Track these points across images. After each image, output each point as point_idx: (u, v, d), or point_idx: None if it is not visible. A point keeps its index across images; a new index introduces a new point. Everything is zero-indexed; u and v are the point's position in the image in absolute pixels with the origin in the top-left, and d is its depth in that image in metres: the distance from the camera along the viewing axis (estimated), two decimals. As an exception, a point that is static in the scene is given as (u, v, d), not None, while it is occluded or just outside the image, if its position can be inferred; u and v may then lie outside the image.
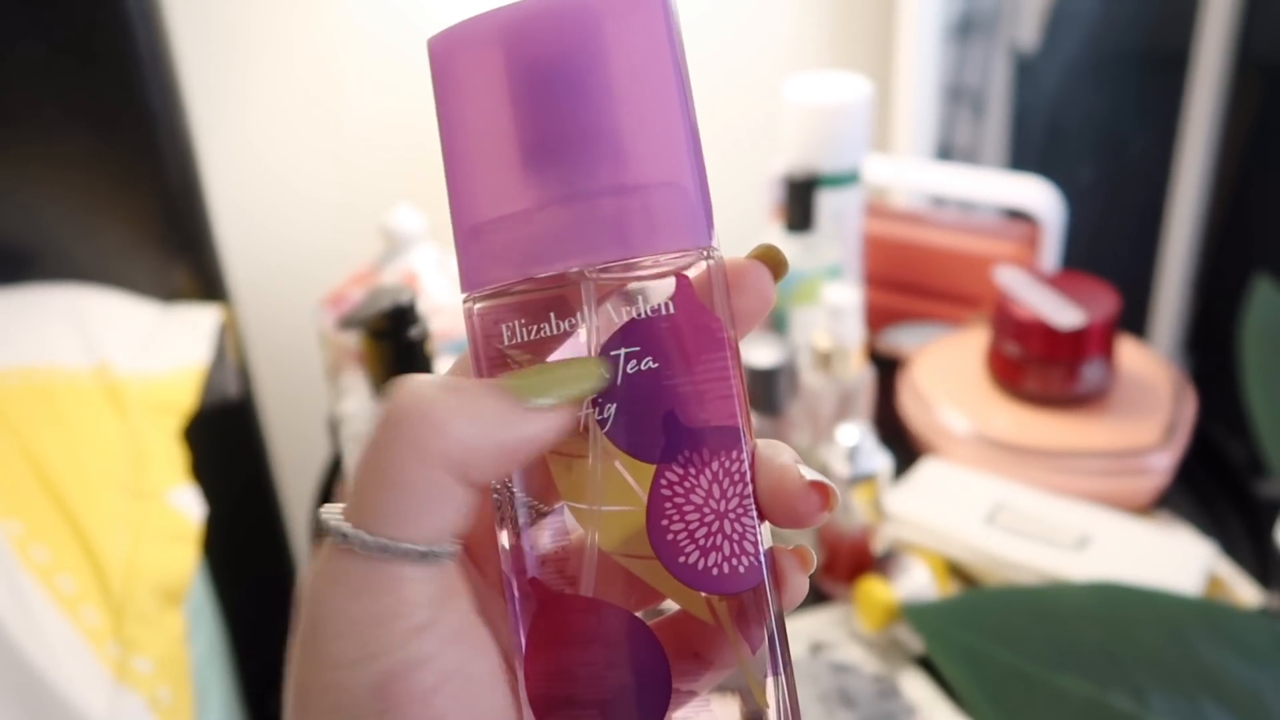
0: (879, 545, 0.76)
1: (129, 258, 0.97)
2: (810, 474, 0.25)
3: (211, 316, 0.95)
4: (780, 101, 0.90)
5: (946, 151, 1.30)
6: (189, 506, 0.80)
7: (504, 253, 0.25)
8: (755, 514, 0.25)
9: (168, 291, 0.97)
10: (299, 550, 1.13)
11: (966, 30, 1.25)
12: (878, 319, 1.01)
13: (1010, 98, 1.29)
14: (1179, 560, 0.71)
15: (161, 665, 0.72)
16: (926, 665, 0.70)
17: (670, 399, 0.24)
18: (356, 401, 0.81)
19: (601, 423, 0.24)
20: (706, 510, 0.24)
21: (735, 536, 0.24)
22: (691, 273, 0.25)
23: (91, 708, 0.66)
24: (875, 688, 0.69)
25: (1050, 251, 0.96)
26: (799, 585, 0.25)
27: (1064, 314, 0.81)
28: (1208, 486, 0.85)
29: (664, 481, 0.24)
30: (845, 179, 0.90)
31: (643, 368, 0.24)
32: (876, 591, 0.70)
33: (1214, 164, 1.24)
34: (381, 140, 1.06)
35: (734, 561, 0.24)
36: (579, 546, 0.25)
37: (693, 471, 0.24)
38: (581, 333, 0.25)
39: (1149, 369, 0.87)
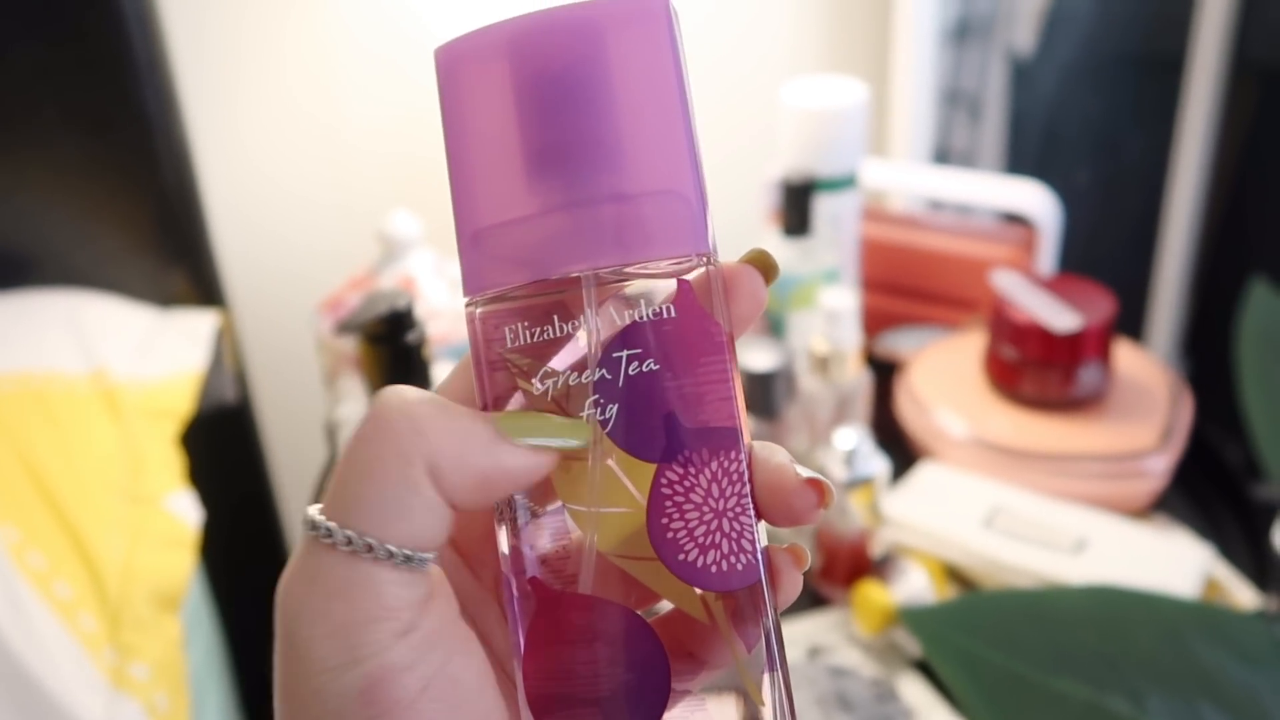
0: (877, 549, 0.76)
1: (126, 263, 0.97)
2: (806, 472, 0.25)
3: (209, 322, 0.95)
4: (777, 106, 0.90)
5: (943, 155, 1.30)
6: (186, 512, 0.80)
7: (506, 257, 0.25)
8: (753, 513, 0.25)
9: (165, 297, 0.97)
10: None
11: (963, 34, 1.25)
12: (875, 323, 1.02)
13: (1007, 101, 1.29)
14: (1176, 563, 0.71)
15: (158, 671, 0.72)
16: (924, 669, 0.70)
17: (671, 400, 0.25)
18: (354, 406, 0.81)
19: (604, 423, 0.25)
20: (706, 509, 0.25)
21: (734, 534, 0.25)
22: (691, 278, 0.25)
23: (88, 714, 0.66)
24: (873, 691, 0.69)
25: (1047, 255, 0.96)
26: (794, 582, 0.26)
27: (1060, 317, 0.81)
28: (1205, 489, 0.85)
29: (664, 480, 0.25)
30: (842, 183, 0.90)
31: (644, 369, 0.25)
32: (874, 595, 0.70)
33: (1210, 167, 1.24)
34: (378, 145, 1.06)
35: (732, 559, 0.25)
36: (577, 547, 0.25)
37: (692, 471, 0.25)
38: (581, 336, 0.25)
39: (1146, 372, 0.87)
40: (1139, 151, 1.33)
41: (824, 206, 0.89)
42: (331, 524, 0.23)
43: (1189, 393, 0.85)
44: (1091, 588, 0.61)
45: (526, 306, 0.25)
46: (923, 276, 1.00)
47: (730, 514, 0.25)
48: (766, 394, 0.78)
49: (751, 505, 0.25)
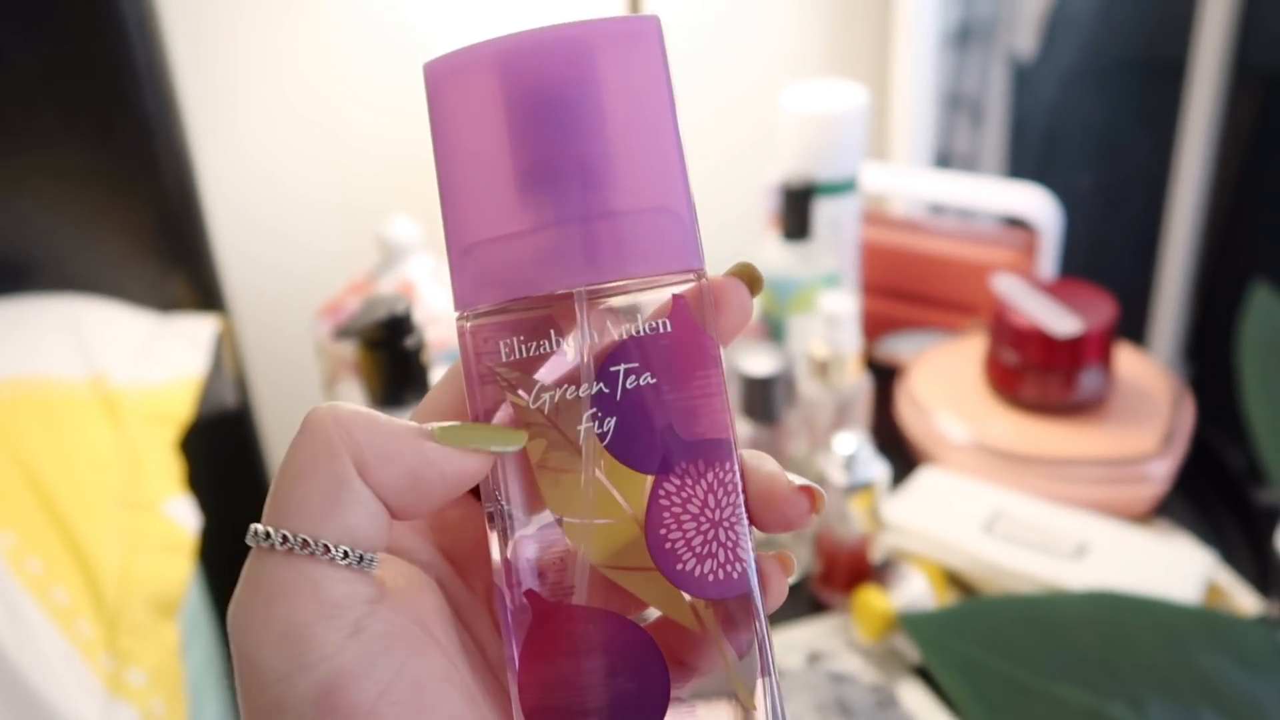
0: (876, 554, 0.75)
1: (126, 268, 0.96)
2: (797, 479, 0.26)
3: (208, 327, 0.95)
4: (777, 110, 0.90)
5: (945, 159, 1.30)
6: (184, 517, 0.80)
7: (499, 273, 0.26)
8: (746, 522, 0.26)
9: (164, 302, 0.97)
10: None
11: (965, 38, 1.25)
12: (875, 327, 1.01)
13: (1008, 105, 1.29)
14: (1177, 568, 0.71)
15: (155, 677, 0.72)
16: (924, 675, 0.70)
17: (667, 413, 0.26)
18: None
19: (601, 436, 0.25)
20: (703, 519, 0.25)
21: (729, 544, 0.26)
22: (683, 292, 0.26)
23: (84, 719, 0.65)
24: (873, 698, 0.69)
25: (1048, 259, 0.96)
26: (780, 588, 0.26)
27: (1062, 322, 0.81)
28: (1206, 494, 0.85)
29: (662, 492, 0.25)
30: (842, 187, 0.90)
31: (641, 383, 0.26)
32: (874, 601, 0.70)
33: (1212, 171, 1.23)
34: (378, 150, 1.06)
35: (728, 568, 0.25)
36: (569, 559, 0.26)
37: (689, 482, 0.25)
38: (574, 350, 0.26)
39: (1147, 376, 0.87)
40: (1141, 156, 1.32)
41: (824, 210, 0.89)
42: (269, 527, 0.23)
43: (1191, 397, 0.85)
44: (1092, 593, 0.60)
45: (518, 321, 0.26)
46: (923, 281, 1.00)
47: (726, 524, 0.26)
48: (766, 399, 0.78)
49: (745, 514, 0.26)
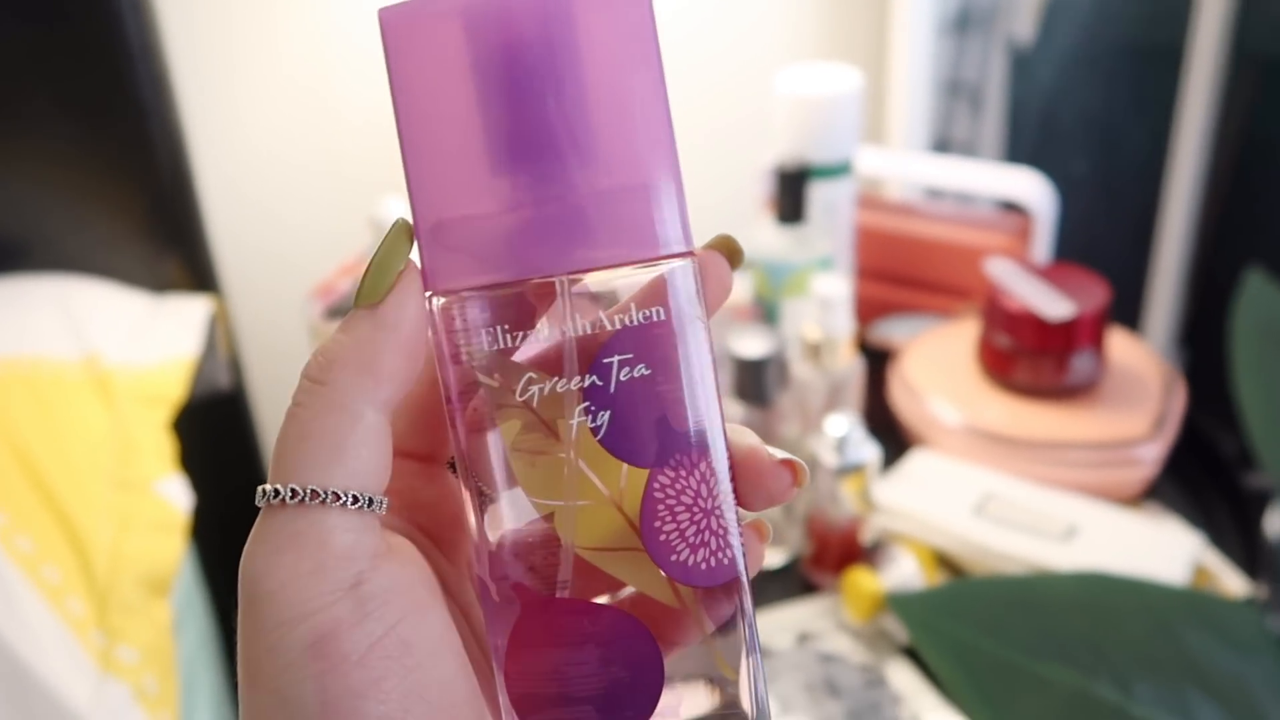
0: (867, 536, 0.75)
1: (119, 249, 0.96)
2: (778, 453, 0.26)
3: (202, 308, 0.95)
4: (772, 92, 0.89)
5: (944, 146, 1.29)
6: (176, 497, 0.80)
7: (471, 253, 0.24)
8: (734, 508, 0.25)
9: (158, 283, 0.97)
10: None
11: (964, 25, 1.25)
12: (869, 311, 1.01)
13: (1007, 91, 1.29)
14: (1166, 551, 0.71)
15: (147, 655, 0.72)
16: (913, 655, 0.70)
17: (662, 404, 0.25)
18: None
19: (595, 430, 0.24)
20: (696, 510, 0.25)
21: (720, 531, 0.25)
22: (676, 277, 0.25)
23: (76, 697, 0.66)
24: (862, 677, 0.69)
25: (1042, 243, 0.96)
26: (758, 555, 0.26)
27: (1054, 305, 0.81)
28: (1197, 478, 0.85)
29: (657, 485, 0.25)
30: (837, 170, 0.90)
31: (635, 374, 0.24)
32: (864, 582, 0.70)
33: (1209, 157, 1.23)
34: (371, 131, 1.06)
35: (719, 555, 0.25)
36: (552, 545, 0.25)
37: (683, 474, 0.25)
38: (557, 338, 0.24)
39: (1140, 361, 0.87)
40: (1138, 142, 1.32)
41: (818, 194, 0.89)
42: (275, 485, 0.23)
43: (1182, 382, 0.85)
44: (1081, 575, 0.60)
45: (493, 301, 0.24)
46: (918, 265, 1.00)
47: (717, 511, 0.25)
48: (758, 381, 0.78)
49: (733, 499, 0.25)
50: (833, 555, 0.75)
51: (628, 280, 0.24)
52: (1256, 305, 0.74)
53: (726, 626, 0.25)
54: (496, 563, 0.25)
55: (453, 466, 0.27)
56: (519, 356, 0.24)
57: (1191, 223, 1.26)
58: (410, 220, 0.25)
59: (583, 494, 0.25)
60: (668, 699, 0.25)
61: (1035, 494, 0.76)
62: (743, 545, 0.26)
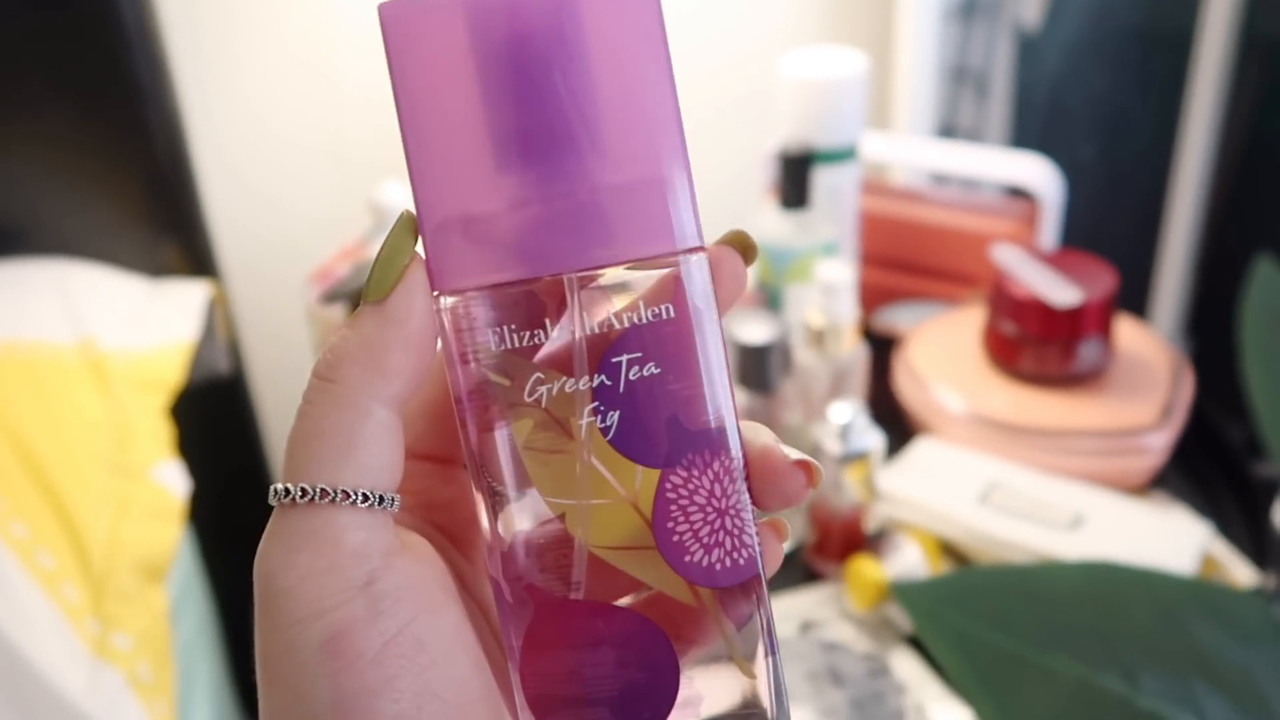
0: (871, 524, 0.75)
1: (117, 233, 0.96)
2: (794, 453, 0.25)
3: (200, 292, 0.94)
4: (776, 76, 0.88)
5: (949, 132, 1.28)
6: (173, 483, 0.80)
7: (478, 253, 0.24)
8: (750, 507, 0.25)
9: (156, 267, 0.96)
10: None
11: (970, 10, 1.24)
12: (874, 297, 1.00)
13: (1013, 77, 1.28)
14: (1174, 540, 0.70)
15: (142, 642, 0.71)
16: (917, 644, 0.69)
17: (672, 403, 0.24)
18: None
19: (604, 430, 0.24)
20: (709, 509, 0.25)
21: (735, 531, 0.25)
22: (685, 273, 0.24)
23: (70, 683, 0.65)
24: (865, 666, 0.68)
25: (1049, 230, 0.95)
26: (776, 555, 0.26)
27: (1061, 292, 0.80)
28: (1204, 467, 0.84)
29: (669, 485, 0.24)
30: (842, 155, 0.89)
31: (645, 374, 0.24)
32: (867, 570, 0.69)
33: (1217, 144, 1.22)
34: (370, 115, 1.05)
35: (734, 555, 0.25)
36: (565, 544, 0.25)
37: (695, 473, 0.24)
38: (559, 334, 0.24)
39: (1147, 349, 0.86)
40: (1146, 128, 1.31)
41: (823, 179, 0.88)
42: (287, 484, 0.23)
43: (1190, 370, 0.84)
44: (1087, 564, 0.60)
45: (501, 300, 0.24)
46: (923, 251, 0.99)
47: (731, 511, 0.25)
48: (761, 367, 0.77)
49: (748, 498, 0.25)
50: (836, 543, 0.74)
51: (638, 277, 0.24)
52: (1265, 292, 0.74)
53: (745, 626, 0.25)
54: (509, 563, 0.25)
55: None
56: (528, 356, 0.24)
57: (1199, 209, 1.25)
58: (411, 214, 0.24)
59: (597, 493, 0.24)
60: (685, 699, 0.25)
61: (1041, 483, 0.75)
62: (759, 544, 0.25)
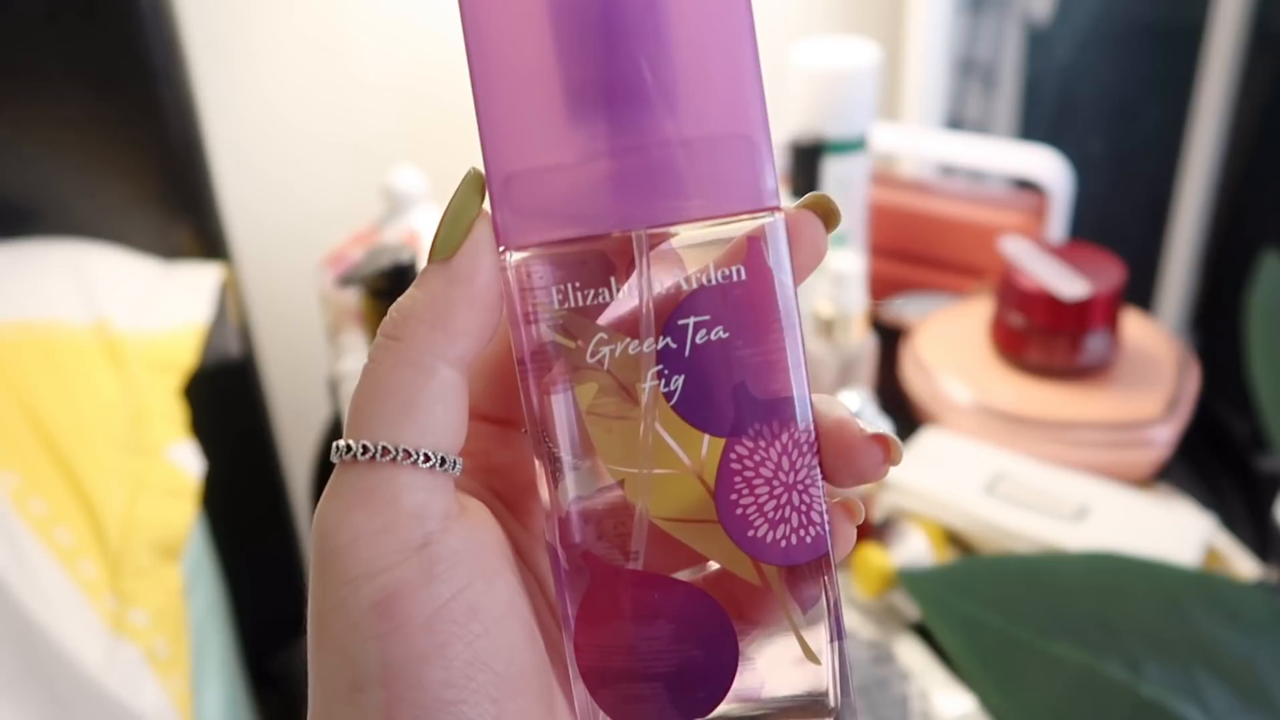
0: (877, 513, 0.75)
1: (130, 215, 0.96)
2: (870, 426, 0.24)
3: (213, 275, 0.94)
4: (787, 65, 0.89)
5: (957, 124, 1.29)
6: (187, 462, 0.81)
7: (546, 207, 0.23)
8: (821, 484, 0.24)
9: (169, 249, 0.97)
10: (299, 510, 1.13)
11: (980, 2, 1.24)
12: (882, 288, 1.01)
13: (1022, 70, 1.28)
14: (1178, 532, 0.71)
15: (158, 618, 0.72)
16: (922, 632, 0.70)
17: (741, 370, 0.23)
18: (356, 361, 0.81)
19: (668, 395, 0.23)
20: (776, 483, 0.24)
21: (803, 508, 0.24)
22: (761, 235, 0.23)
23: (88, 658, 0.66)
24: (870, 653, 0.69)
25: (1058, 222, 0.95)
26: (848, 536, 0.25)
27: (1069, 284, 0.80)
28: (1209, 461, 0.85)
29: (734, 455, 0.23)
30: (852, 146, 0.89)
31: (712, 338, 0.23)
32: (873, 558, 0.70)
33: (1226, 139, 1.22)
34: (384, 99, 1.05)
35: (801, 533, 0.24)
36: (624, 513, 0.24)
37: (763, 444, 0.23)
38: (627, 295, 0.23)
39: (1153, 342, 0.86)
40: (1155, 121, 1.31)
41: (833, 169, 0.88)
42: (349, 440, 0.23)
43: (1196, 363, 0.84)
44: (1092, 555, 0.60)
45: (568, 257, 0.23)
46: (931, 242, 0.99)
47: (799, 486, 0.24)
48: (770, 356, 0.77)
49: (819, 475, 0.24)
50: (842, 531, 0.75)
51: (711, 237, 0.23)
52: (1271, 287, 0.74)
53: (811, 609, 0.24)
54: (567, 530, 0.24)
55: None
56: (599, 321, 0.23)
57: (1207, 203, 1.25)
58: (479, 172, 0.24)
59: (660, 462, 0.23)
60: (746, 681, 0.24)
61: (1046, 474, 0.76)
62: (830, 524, 0.24)
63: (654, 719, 0.24)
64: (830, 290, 0.79)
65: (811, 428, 0.24)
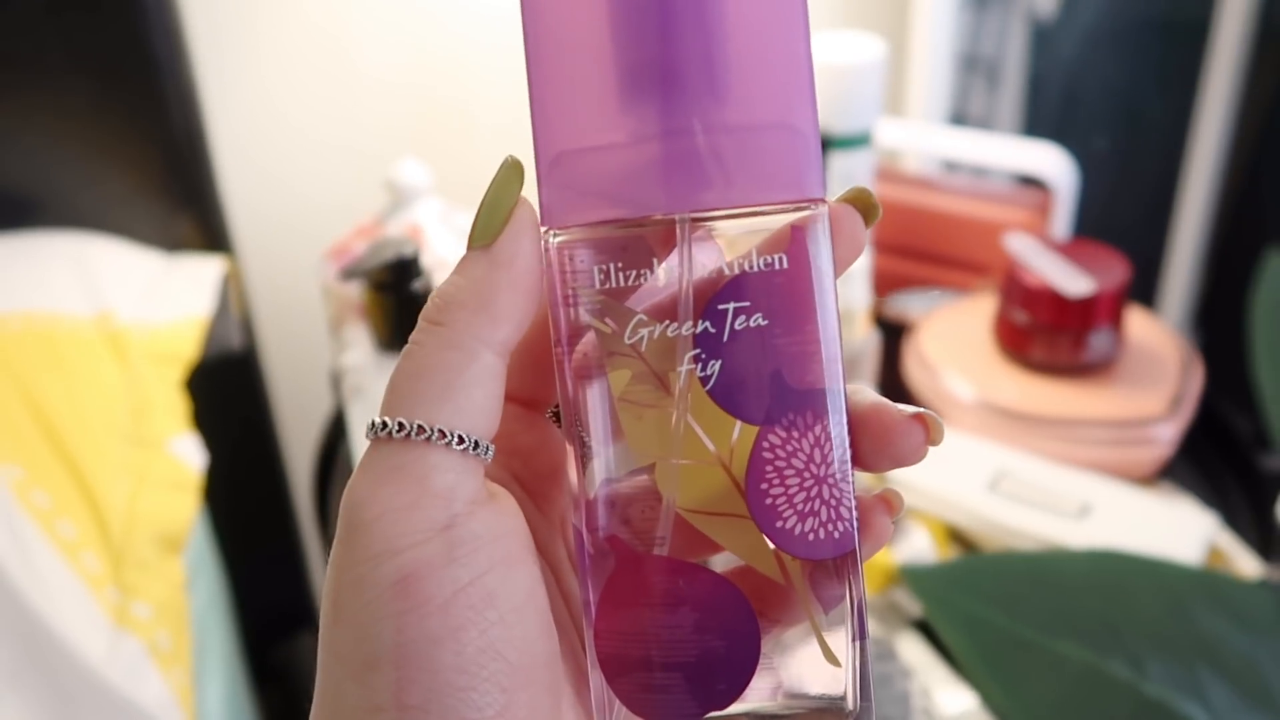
0: (880, 510, 0.75)
1: (132, 207, 0.96)
2: (909, 408, 0.24)
3: (215, 267, 0.94)
4: (792, 61, 0.88)
5: (961, 120, 1.28)
6: (190, 455, 0.81)
7: (592, 188, 0.23)
8: (852, 481, 0.24)
9: (171, 242, 0.97)
10: (300, 504, 1.13)
11: (984, -3, 1.23)
12: (886, 284, 1.01)
13: (1026, 66, 1.27)
14: (1180, 531, 0.71)
15: (161, 611, 0.72)
16: (924, 629, 0.70)
17: (777, 358, 0.23)
18: (358, 354, 0.81)
19: (704, 380, 0.23)
20: (807, 475, 0.23)
21: (833, 502, 0.24)
22: (805, 225, 0.23)
23: (91, 651, 0.66)
24: (872, 650, 0.69)
25: (1062, 219, 0.95)
26: (882, 530, 0.24)
27: (1073, 282, 0.80)
28: (1212, 459, 0.85)
29: (766, 444, 0.23)
30: (856, 141, 0.89)
31: (751, 324, 0.23)
32: (876, 555, 0.70)
33: (1232, 136, 1.22)
34: (388, 92, 1.05)
35: (830, 527, 0.24)
36: (653, 501, 0.24)
37: (796, 435, 0.23)
38: (665, 278, 0.23)
39: (1157, 340, 0.86)
40: (1159, 118, 1.31)
41: (837, 165, 0.88)
42: (384, 417, 0.23)
43: (1200, 361, 0.84)
44: (1094, 552, 0.60)
45: (610, 241, 0.23)
46: (935, 239, 0.99)
47: (831, 479, 0.23)
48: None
49: (851, 471, 0.24)
50: (844, 528, 0.75)
51: (754, 225, 0.23)
52: (1275, 285, 0.74)
53: (834, 608, 0.24)
54: (593, 514, 0.24)
55: (555, 415, 0.26)
56: (633, 301, 0.23)
57: (1211, 201, 1.25)
58: (517, 159, 0.24)
59: (689, 451, 0.23)
60: (764, 679, 0.24)
61: (1049, 471, 0.76)
62: (863, 512, 0.24)
63: (671, 710, 0.24)
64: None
65: (845, 423, 0.24)
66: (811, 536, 0.23)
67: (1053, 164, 0.94)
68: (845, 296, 0.78)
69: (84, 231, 0.92)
